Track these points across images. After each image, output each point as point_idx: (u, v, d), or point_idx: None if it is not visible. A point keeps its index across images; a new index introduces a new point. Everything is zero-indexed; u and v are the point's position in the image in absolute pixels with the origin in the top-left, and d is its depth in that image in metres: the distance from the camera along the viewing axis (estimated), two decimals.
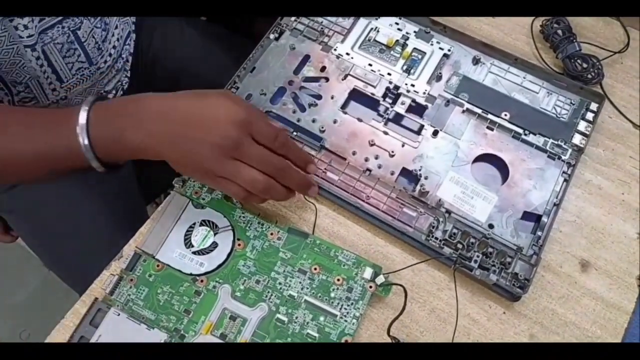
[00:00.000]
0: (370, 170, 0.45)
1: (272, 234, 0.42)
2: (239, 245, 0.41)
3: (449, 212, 0.43)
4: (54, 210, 0.53)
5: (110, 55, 0.54)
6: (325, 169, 0.44)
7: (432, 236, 0.42)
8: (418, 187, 0.44)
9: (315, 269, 0.40)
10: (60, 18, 0.46)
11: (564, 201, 0.45)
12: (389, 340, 0.38)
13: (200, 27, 0.67)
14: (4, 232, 0.61)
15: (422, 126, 0.47)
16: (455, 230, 0.42)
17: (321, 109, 0.47)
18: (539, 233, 0.42)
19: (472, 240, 0.41)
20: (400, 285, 0.39)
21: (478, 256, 0.41)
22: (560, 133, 0.47)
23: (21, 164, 0.39)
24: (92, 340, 0.38)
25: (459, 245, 0.41)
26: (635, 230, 0.45)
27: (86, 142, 0.36)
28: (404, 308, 0.39)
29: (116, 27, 0.55)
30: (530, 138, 0.46)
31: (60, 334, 0.39)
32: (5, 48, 0.44)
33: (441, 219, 0.43)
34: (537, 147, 0.46)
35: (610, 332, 0.41)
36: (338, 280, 0.40)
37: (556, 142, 0.46)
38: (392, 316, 0.39)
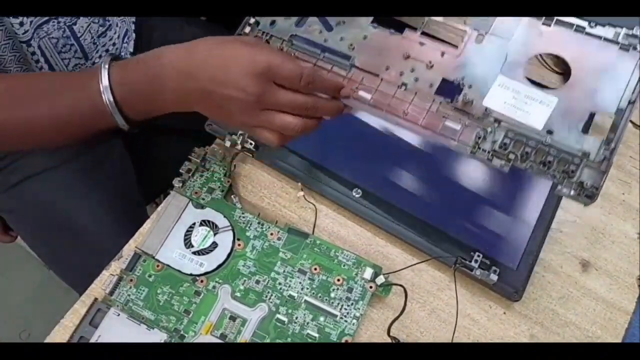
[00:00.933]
0: (406, 85, 0.40)
1: (272, 234, 0.42)
2: (239, 245, 0.41)
3: (498, 121, 0.38)
4: (53, 210, 0.53)
5: (107, 51, 0.54)
6: (356, 87, 0.41)
7: (479, 148, 0.38)
8: (461, 97, 0.39)
9: (315, 269, 0.40)
10: None
11: (564, 201, 0.45)
12: (389, 340, 0.38)
13: (200, 27, 0.67)
14: (4, 232, 0.61)
15: (464, 31, 0.42)
16: (507, 140, 0.38)
17: (349, 25, 0.44)
18: (610, 135, 0.36)
19: (527, 149, 0.37)
20: (401, 286, 0.39)
21: (479, 255, 0.41)
22: (635, 20, 0.39)
23: (47, 129, 0.39)
24: (92, 341, 0.38)
25: (511, 156, 0.37)
26: (635, 230, 0.45)
27: (111, 99, 0.37)
28: (404, 308, 0.39)
29: (117, 25, 0.55)
30: (598, 30, 0.40)
31: (60, 334, 0.39)
32: (3, 43, 0.44)
33: (489, 129, 0.38)
34: (606, 40, 0.39)
35: (611, 332, 0.41)
36: (338, 280, 0.40)
37: (631, 32, 0.39)
38: (392, 316, 0.39)
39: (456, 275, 0.41)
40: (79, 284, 0.47)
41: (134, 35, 0.60)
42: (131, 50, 0.60)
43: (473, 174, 0.46)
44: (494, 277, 0.40)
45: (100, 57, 0.54)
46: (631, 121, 0.49)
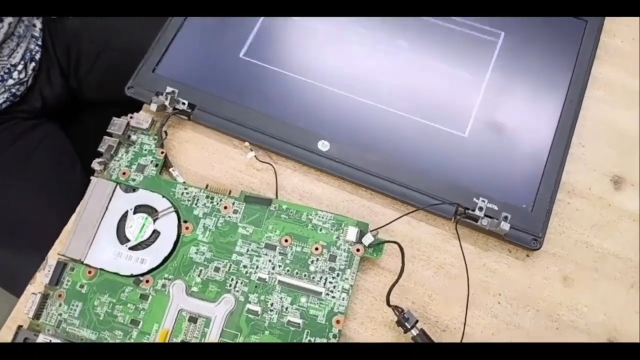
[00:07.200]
0: None
1: (225, 207, 0.33)
2: (187, 228, 0.33)
3: None
4: None
5: (12, 93, 0.47)
6: None
7: None
8: None
9: (285, 240, 0.32)
10: None
11: (583, 109, 0.36)
12: (390, 311, 0.31)
13: None
14: None
15: None
16: None
17: None
18: None
19: None
20: (395, 242, 0.31)
21: (483, 201, 0.32)
22: None
23: None
24: None
25: None
26: None
27: None
28: (402, 269, 0.31)
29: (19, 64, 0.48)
30: None
31: None
32: None
33: None
34: None
35: None
36: (316, 249, 0.32)
37: None
38: (391, 282, 0.31)
39: (460, 226, 0.33)
40: (21, 289, 0.40)
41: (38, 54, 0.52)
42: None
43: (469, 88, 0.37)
44: (506, 226, 0.31)
45: (6, 97, 0.47)
46: None
